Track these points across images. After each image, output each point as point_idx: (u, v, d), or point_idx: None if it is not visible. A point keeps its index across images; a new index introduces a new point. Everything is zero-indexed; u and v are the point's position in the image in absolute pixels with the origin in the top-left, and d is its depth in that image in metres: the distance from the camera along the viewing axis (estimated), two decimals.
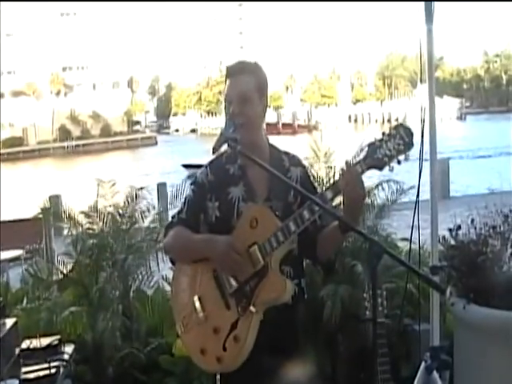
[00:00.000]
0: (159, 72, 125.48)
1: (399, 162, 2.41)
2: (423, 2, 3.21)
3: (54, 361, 3.60)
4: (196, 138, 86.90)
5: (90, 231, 5.00)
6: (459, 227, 3.93)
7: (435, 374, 3.27)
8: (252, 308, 2.53)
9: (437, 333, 3.42)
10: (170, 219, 2.98)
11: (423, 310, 4.02)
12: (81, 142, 71.62)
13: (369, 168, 2.45)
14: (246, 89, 2.72)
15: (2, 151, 67.64)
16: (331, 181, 4.49)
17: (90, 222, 5.07)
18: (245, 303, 2.55)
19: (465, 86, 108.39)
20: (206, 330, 2.62)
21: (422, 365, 3.32)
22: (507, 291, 3.63)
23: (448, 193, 16.86)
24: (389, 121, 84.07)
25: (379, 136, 2.45)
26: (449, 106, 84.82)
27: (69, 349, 3.96)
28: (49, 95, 79.58)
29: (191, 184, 2.86)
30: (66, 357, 3.79)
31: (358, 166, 2.46)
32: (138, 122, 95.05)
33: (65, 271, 5.05)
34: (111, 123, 79.42)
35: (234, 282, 2.60)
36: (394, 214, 4.74)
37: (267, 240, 2.53)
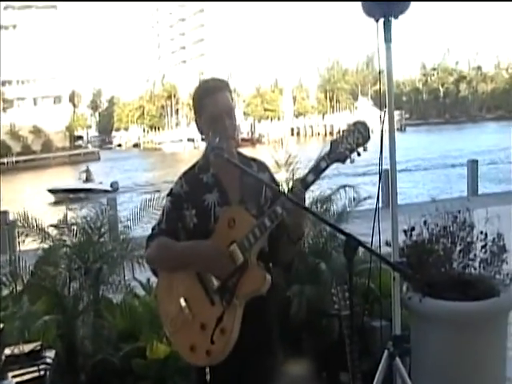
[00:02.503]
0: (101, 86, 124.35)
1: (359, 154, 2.71)
2: (381, 20, 3.53)
3: (40, 364, 3.76)
4: (139, 152, 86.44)
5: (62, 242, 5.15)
6: (413, 228, 4.31)
7: (397, 360, 3.61)
8: (236, 301, 2.76)
9: (398, 323, 3.76)
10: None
11: (378, 307, 4.37)
12: (21, 158, 70.18)
13: (333, 162, 2.70)
14: (229, 104, 2.99)
15: None
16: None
17: (60, 234, 5.22)
18: (229, 297, 2.77)
19: (404, 99, 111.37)
20: (194, 328, 2.83)
21: (385, 352, 3.65)
22: (455, 285, 4.05)
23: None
24: (331, 133, 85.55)
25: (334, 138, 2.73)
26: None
27: (50, 354, 4.11)
28: None
29: (167, 195, 3.08)
30: (48, 361, 3.95)
31: (323, 161, 2.71)
32: (80, 137, 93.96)
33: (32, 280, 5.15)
34: (53, 138, 78.38)
35: (216, 280, 2.82)
36: (351, 221, 5.03)
37: (245, 237, 2.77)
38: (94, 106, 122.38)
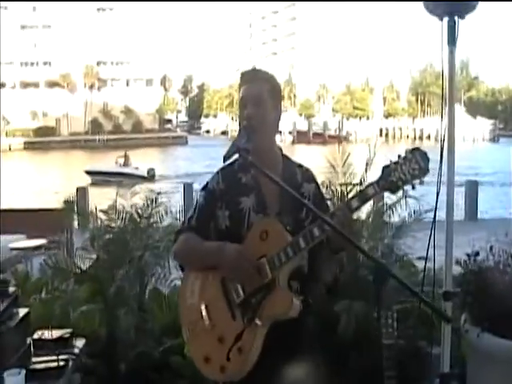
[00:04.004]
0: (192, 72, 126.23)
1: (413, 187, 2.40)
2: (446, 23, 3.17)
3: (64, 354, 3.61)
4: (226, 140, 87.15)
5: (108, 228, 5.03)
6: (477, 253, 3.90)
7: None
8: (257, 321, 2.53)
9: (447, 358, 3.36)
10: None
11: (438, 332, 3.98)
12: (112, 137, 72.11)
13: (382, 190, 2.44)
14: (260, 93, 2.74)
15: (35, 140, 68.74)
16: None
17: (108, 219, 5.10)
18: (250, 315, 2.55)
19: (499, 107, 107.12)
20: (211, 339, 2.63)
21: None
22: None
23: (475, 215, 16.68)
24: (420, 138, 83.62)
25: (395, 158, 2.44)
26: (482, 126, 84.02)
27: (80, 343, 3.98)
28: (82, 88, 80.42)
29: (202, 190, 2.87)
30: (76, 351, 3.81)
31: (370, 188, 2.45)
32: (169, 121, 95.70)
33: (83, 266, 5.07)
34: (143, 120, 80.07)
35: (241, 292, 2.60)
36: (412, 234, 4.66)
37: (276, 254, 2.53)
38: (185, 91, 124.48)
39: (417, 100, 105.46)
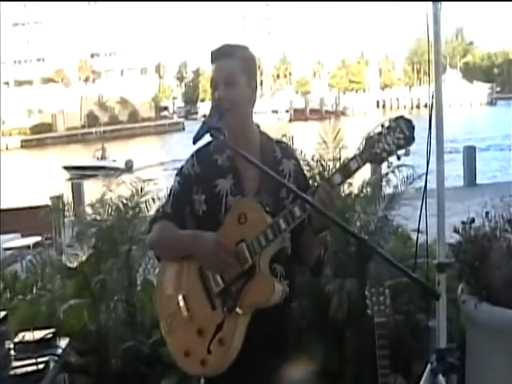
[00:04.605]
0: (187, 57, 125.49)
1: (399, 158, 2.23)
2: None
3: (46, 355, 3.47)
4: None
5: (94, 222, 4.87)
6: (473, 220, 3.73)
7: (441, 378, 3.08)
8: (238, 310, 2.37)
9: (444, 332, 3.20)
10: None
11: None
12: (109, 128, 71.82)
13: (365, 162, 2.26)
14: (231, 71, 2.53)
15: (31, 137, 68.59)
16: None
17: (94, 213, 4.95)
18: (231, 304, 2.39)
19: (496, 71, 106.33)
20: (191, 331, 2.47)
21: (428, 367, 3.13)
22: None
23: (474, 180, 16.54)
24: (417, 106, 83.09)
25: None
26: (479, 91, 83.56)
27: (64, 342, 3.83)
28: (77, 82, 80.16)
29: (176, 175, 2.70)
30: (59, 351, 3.66)
31: (353, 161, 2.28)
32: (165, 108, 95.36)
33: (69, 263, 4.93)
34: (139, 109, 79.80)
35: (220, 281, 2.44)
36: (408, 203, 4.48)
37: (256, 238, 2.36)
38: (180, 77, 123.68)
39: (413, 69, 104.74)
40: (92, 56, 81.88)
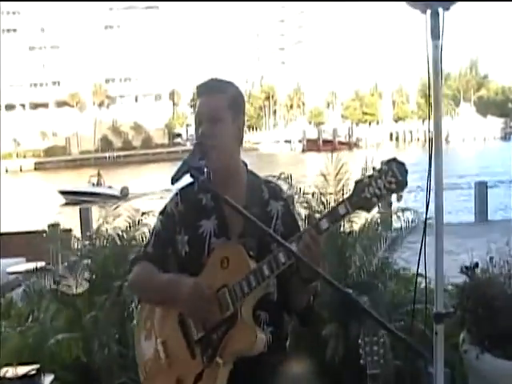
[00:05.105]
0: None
1: (390, 204, 2.11)
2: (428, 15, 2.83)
3: None
4: None
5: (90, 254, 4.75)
6: (476, 265, 3.57)
7: None
8: (219, 359, 2.24)
9: (441, 380, 3.01)
10: None
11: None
12: (122, 153, 72.23)
13: (355, 209, 2.14)
14: (216, 107, 2.42)
15: (45, 159, 69.10)
16: None
17: (89, 244, 4.83)
18: (211, 353, 2.26)
19: (510, 105, 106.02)
20: (169, 380, 2.34)
21: None
22: None
23: (486, 216, 16.30)
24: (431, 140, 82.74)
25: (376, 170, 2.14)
26: (492, 125, 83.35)
27: (48, 379, 3.68)
28: (91, 106, 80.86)
29: (160, 214, 2.58)
30: None
31: (341, 206, 2.15)
32: (179, 135, 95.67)
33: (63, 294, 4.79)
34: (152, 135, 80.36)
35: (201, 328, 2.31)
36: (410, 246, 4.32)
37: (238, 283, 2.24)
38: (194, 104, 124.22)
39: (426, 102, 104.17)
40: (107, 81, 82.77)
